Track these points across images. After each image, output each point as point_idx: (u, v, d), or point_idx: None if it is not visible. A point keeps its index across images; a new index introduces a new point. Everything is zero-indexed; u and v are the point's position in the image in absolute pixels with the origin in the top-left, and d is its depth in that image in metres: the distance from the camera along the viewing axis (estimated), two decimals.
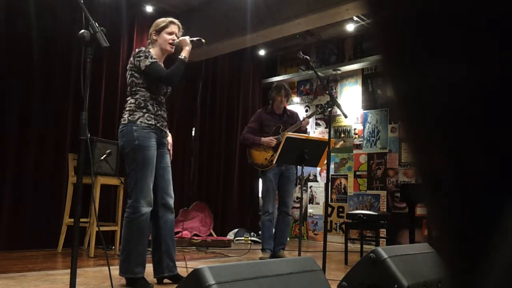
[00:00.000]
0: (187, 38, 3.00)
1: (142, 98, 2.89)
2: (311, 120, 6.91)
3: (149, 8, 5.77)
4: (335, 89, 6.85)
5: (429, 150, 0.31)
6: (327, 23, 5.32)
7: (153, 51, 3.01)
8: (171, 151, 3.12)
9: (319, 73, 3.76)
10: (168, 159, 3.03)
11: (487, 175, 0.28)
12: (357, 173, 6.50)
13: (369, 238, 5.30)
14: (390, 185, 6.12)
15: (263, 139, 4.48)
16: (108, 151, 4.46)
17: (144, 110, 2.87)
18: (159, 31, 3.03)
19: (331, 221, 6.66)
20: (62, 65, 4.90)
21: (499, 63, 0.27)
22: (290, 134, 3.68)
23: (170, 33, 3.02)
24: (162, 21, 3.06)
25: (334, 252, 5.31)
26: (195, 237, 5.50)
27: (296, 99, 7.34)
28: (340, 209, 6.60)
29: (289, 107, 4.89)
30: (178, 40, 3.02)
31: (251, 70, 7.26)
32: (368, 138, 6.42)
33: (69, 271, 2.01)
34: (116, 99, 5.44)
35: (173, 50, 3.04)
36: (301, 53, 3.60)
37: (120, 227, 4.68)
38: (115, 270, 3.37)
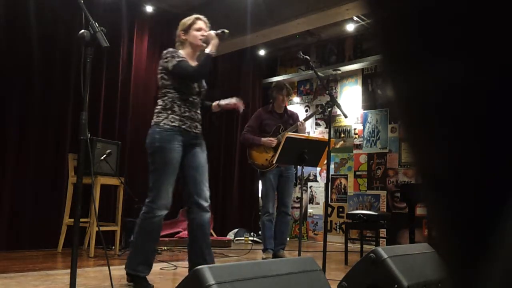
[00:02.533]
0: (212, 32, 2.98)
1: (170, 100, 2.86)
2: (311, 120, 6.91)
3: (149, 8, 5.77)
4: (335, 89, 6.85)
5: (429, 150, 0.31)
6: (327, 23, 5.32)
7: (183, 51, 2.98)
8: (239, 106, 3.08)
9: (319, 73, 3.76)
10: (201, 158, 2.95)
11: (487, 175, 0.28)
12: (357, 173, 6.50)
13: (369, 238, 5.30)
14: (390, 185, 6.12)
15: (263, 139, 4.47)
16: (108, 151, 4.46)
17: (169, 112, 2.84)
18: (186, 30, 3.02)
19: (331, 221, 6.66)
20: (62, 65, 4.90)
21: (499, 63, 0.27)
22: (290, 134, 3.68)
23: (199, 29, 3.00)
24: (187, 19, 3.06)
25: (334, 252, 5.31)
26: None
27: (296, 99, 7.34)
28: (340, 209, 6.60)
29: (289, 107, 4.88)
30: (205, 35, 3.00)
31: (251, 70, 7.26)
32: (368, 138, 6.42)
33: (69, 271, 2.01)
34: (116, 99, 5.44)
35: (204, 45, 2.99)
36: (301, 53, 3.60)
37: (120, 227, 4.70)
38: (115, 270, 3.37)
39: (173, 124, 2.81)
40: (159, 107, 2.89)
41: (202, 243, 2.89)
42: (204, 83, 3.06)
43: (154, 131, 2.82)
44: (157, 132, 2.80)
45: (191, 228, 2.92)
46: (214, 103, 3.13)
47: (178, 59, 2.85)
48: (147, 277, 2.88)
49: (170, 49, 2.93)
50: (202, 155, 2.96)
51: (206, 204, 2.91)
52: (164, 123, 2.81)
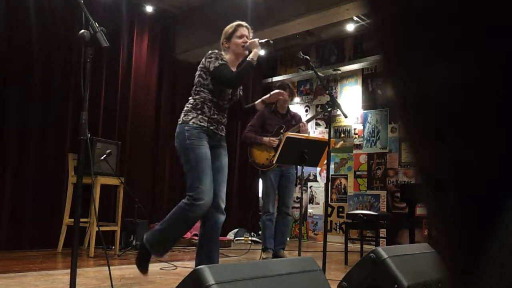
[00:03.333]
0: (256, 40, 2.94)
1: (201, 100, 2.85)
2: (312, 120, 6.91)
3: (149, 8, 5.77)
4: (335, 89, 6.85)
5: (429, 150, 0.31)
6: (327, 23, 5.32)
7: (227, 57, 2.97)
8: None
9: (319, 73, 3.76)
10: (223, 160, 2.94)
11: (487, 175, 0.28)
12: (357, 173, 6.50)
13: (369, 238, 5.30)
14: (390, 185, 6.12)
15: (265, 139, 4.47)
16: (108, 151, 4.46)
17: (199, 112, 2.83)
18: (228, 38, 3.00)
19: (331, 221, 6.66)
20: (62, 65, 4.90)
21: (499, 64, 0.27)
22: (290, 134, 3.68)
23: (241, 36, 2.98)
24: (229, 27, 3.03)
25: (334, 252, 5.31)
26: (195, 237, 5.50)
27: (296, 99, 7.34)
28: (340, 209, 6.60)
29: (289, 107, 4.88)
30: (248, 43, 2.97)
31: None
32: (368, 138, 6.42)
33: (69, 271, 2.01)
34: (116, 99, 5.44)
35: (247, 52, 2.96)
36: (301, 53, 3.60)
37: (120, 227, 4.70)
38: (115, 270, 3.37)
39: (201, 124, 2.81)
40: (189, 105, 2.88)
41: (214, 245, 2.86)
42: (239, 92, 3.06)
43: (183, 130, 2.80)
44: (186, 130, 2.79)
45: (205, 229, 2.87)
46: (258, 102, 3.14)
47: (220, 62, 2.84)
48: (145, 277, 2.87)
49: (216, 51, 2.92)
50: (225, 158, 2.96)
51: (223, 205, 2.89)
52: (193, 122, 2.80)
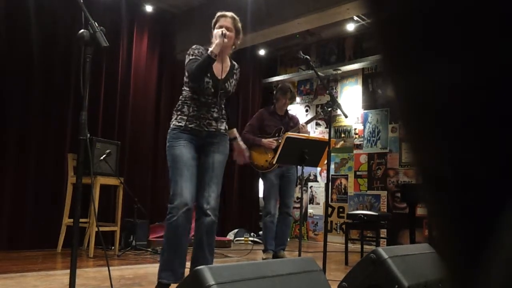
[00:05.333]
0: (218, 31, 2.78)
1: (183, 99, 2.80)
2: None
3: (149, 8, 5.78)
4: (335, 89, 6.85)
5: (430, 150, 0.31)
6: (327, 23, 5.32)
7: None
8: (245, 154, 2.96)
9: (319, 73, 3.76)
10: (212, 158, 2.78)
11: (488, 175, 0.28)
12: (358, 173, 6.50)
13: (370, 239, 5.30)
14: (391, 185, 6.12)
15: (264, 140, 4.46)
16: (107, 151, 4.46)
17: (179, 113, 2.78)
18: (212, 29, 2.89)
19: (331, 221, 6.66)
20: (62, 65, 4.91)
21: (499, 63, 0.27)
22: (290, 134, 3.68)
23: (220, 27, 2.83)
24: (214, 18, 2.93)
25: (334, 252, 5.31)
26: None
27: (296, 99, 7.34)
28: (341, 209, 6.59)
29: (289, 107, 4.88)
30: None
31: (251, 70, 7.26)
32: (369, 138, 6.42)
33: (68, 271, 2.01)
34: (116, 99, 5.44)
35: (225, 41, 2.75)
36: (301, 53, 3.60)
37: (120, 227, 4.70)
38: (115, 270, 3.37)
39: (179, 124, 2.74)
40: (175, 107, 2.84)
41: (197, 248, 2.79)
42: (227, 85, 2.85)
43: (168, 133, 2.80)
44: (168, 133, 2.78)
45: (196, 231, 2.83)
46: (234, 137, 2.99)
47: (191, 57, 2.75)
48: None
49: (194, 46, 2.83)
50: (216, 155, 2.79)
51: (208, 206, 2.76)
52: (173, 124, 2.77)
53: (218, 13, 2.92)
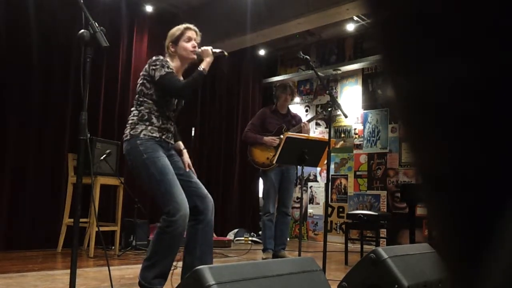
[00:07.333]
0: (209, 48, 2.75)
1: (147, 111, 2.66)
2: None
3: (149, 8, 5.77)
4: (335, 89, 6.85)
5: (429, 150, 0.31)
6: (327, 23, 5.32)
7: (172, 63, 2.76)
8: (191, 169, 2.87)
9: (319, 73, 3.76)
10: (181, 164, 2.78)
11: (487, 175, 0.28)
12: (357, 173, 6.50)
13: (369, 238, 5.30)
14: (390, 185, 6.12)
15: (265, 138, 4.48)
16: (107, 151, 4.46)
17: (147, 123, 2.64)
18: (175, 41, 2.80)
19: (331, 221, 6.66)
20: (62, 65, 4.91)
21: (499, 63, 0.27)
22: (290, 134, 3.68)
23: (189, 39, 2.78)
24: (176, 29, 2.83)
25: (334, 252, 5.31)
26: None
27: (296, 99, 7.34)
28: (340, 209, 6.60)
29: (289, 107, 4.89)
30: (200, 50, 2.78)
31: (251, 70, 7.26)
32: (368, 138, 6.42)
33: (68, 271, 2.01)
34: (116, 99, 5.44)
35: (195, 57, 2.77)
36: (301, 53, 3.60)
37: (120, 227, 4.70)
38: (115, 270, 3.37)
39: (153, 134, 2.64)
40: (134, 118, 2.67)
41: (190, 252, 2.72)
42: (183, 102, 2.86)
43: (135, 144, 2.59)
44: (139, 144, 2.59)
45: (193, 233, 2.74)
46: (183, 148, 2.96)
47: (167, 70, 2.64)
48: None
49: (161, 57, 2.71)
50: (179, 160, 2.80)
51: (209, 202, 2.76)
52: (144, 134, 2.61)
53: (184, 25, 2.85)
